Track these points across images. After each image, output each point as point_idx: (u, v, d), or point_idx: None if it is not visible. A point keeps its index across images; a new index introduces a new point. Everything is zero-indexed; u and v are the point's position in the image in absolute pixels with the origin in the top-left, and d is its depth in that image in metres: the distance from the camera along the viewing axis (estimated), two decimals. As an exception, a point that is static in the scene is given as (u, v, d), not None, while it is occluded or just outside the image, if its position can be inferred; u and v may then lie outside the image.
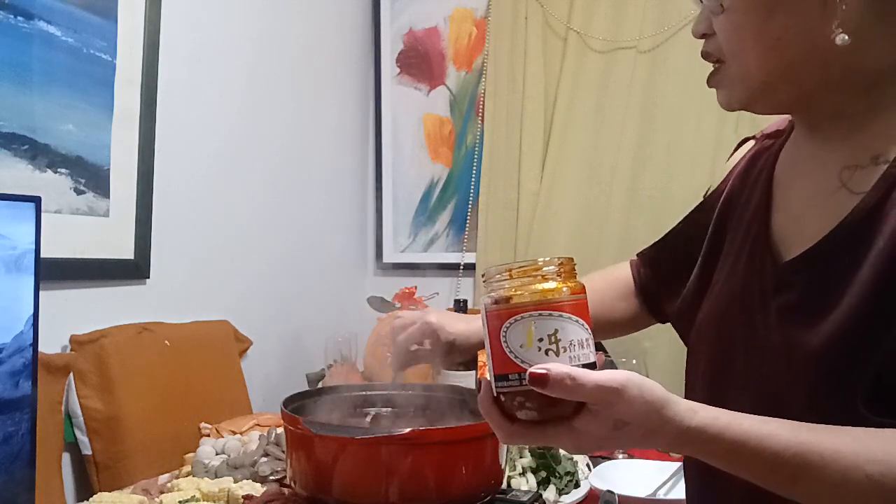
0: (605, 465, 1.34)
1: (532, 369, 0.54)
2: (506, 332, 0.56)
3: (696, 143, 2.04)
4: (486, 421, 0.60)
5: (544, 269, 0.57)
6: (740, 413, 0.58)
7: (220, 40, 1.86)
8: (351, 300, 2.31)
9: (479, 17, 2.37)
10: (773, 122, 0.81)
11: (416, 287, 2.05)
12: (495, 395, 0.58)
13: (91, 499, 1.14)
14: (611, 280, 1.01)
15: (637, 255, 1.00)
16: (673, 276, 0.88)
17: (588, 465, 1.36)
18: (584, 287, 0.58)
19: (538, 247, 2.21)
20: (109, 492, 1.21)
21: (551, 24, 2.24)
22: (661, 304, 0.93)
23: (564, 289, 0.56)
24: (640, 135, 2.11)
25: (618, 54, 2.14)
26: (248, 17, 1.96)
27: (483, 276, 0.60)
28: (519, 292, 0.57)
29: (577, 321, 0.56)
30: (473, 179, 2.35)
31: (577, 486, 1.27)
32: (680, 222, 0.92)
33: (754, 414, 0.60)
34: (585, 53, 2.18)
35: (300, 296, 2.14)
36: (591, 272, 1.04)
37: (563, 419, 0.56)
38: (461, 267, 2.36)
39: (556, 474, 1.27)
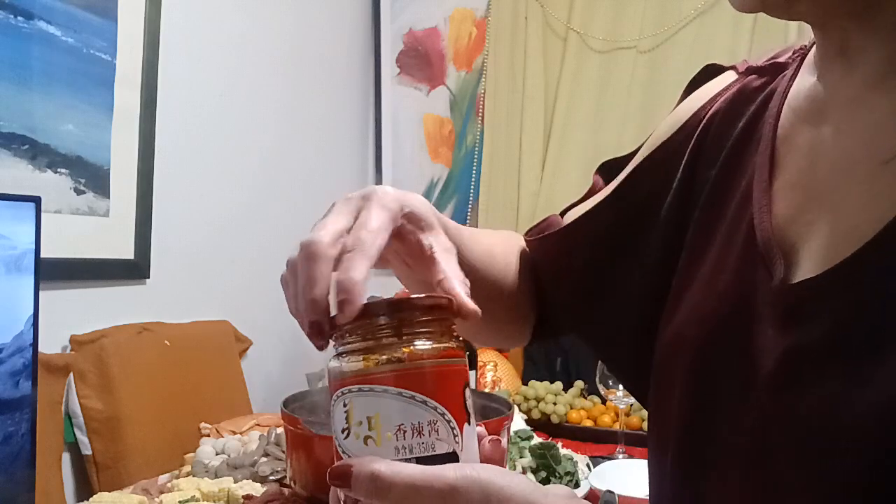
0: (605, 465, 1.34)
1: (334, 466, 0.39)
2: (331, 412, 0.41)
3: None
4: None
5: (378, 321, 0.42)
6: None
7: (220, 40, 1.86)
8: (351, 300, 2.30)
9: (479, 17, 2.37)
10: (764, 52, 0.57)
11: (416, 287, 2.05)
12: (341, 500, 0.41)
13: (91, 499, 1.14)
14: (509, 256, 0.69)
15: (526, 239, 0.71)
16: (579, 287, 0.64)
17: (588, 465, 1.36)
18: (448, 350, 0.41)
19: (538, 247, 2.21)
20: (109, 492, 1.21)
21: (551, 24, 2.24)
22: (558, 317, 0.67)
23: (394, 355, 0.40)
24: (639, 135, 2.10)
25: (618, 54, 2.15)
26: (247, 17, 1.96)
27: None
28: (342, 359, 0.42)
29: (410, 397, 0.39)
30: (473, 179, 2.35)
31: (577, 486, 1.27)
32: (598, 203, 0.65)
33: None
34: (585, 53, 2.18)
35: (300, 296, 2.13)
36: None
37: None
38: (461, 267, 2.36)
39: (556, 474, 1.27)
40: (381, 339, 0.41)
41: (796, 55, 0.53)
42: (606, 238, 0.63)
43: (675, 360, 0.52)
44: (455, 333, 0.43)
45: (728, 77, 0.58)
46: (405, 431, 0.39)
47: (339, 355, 0.42)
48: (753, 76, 0.56)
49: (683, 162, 0.57)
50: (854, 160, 0.44)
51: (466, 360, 0.43)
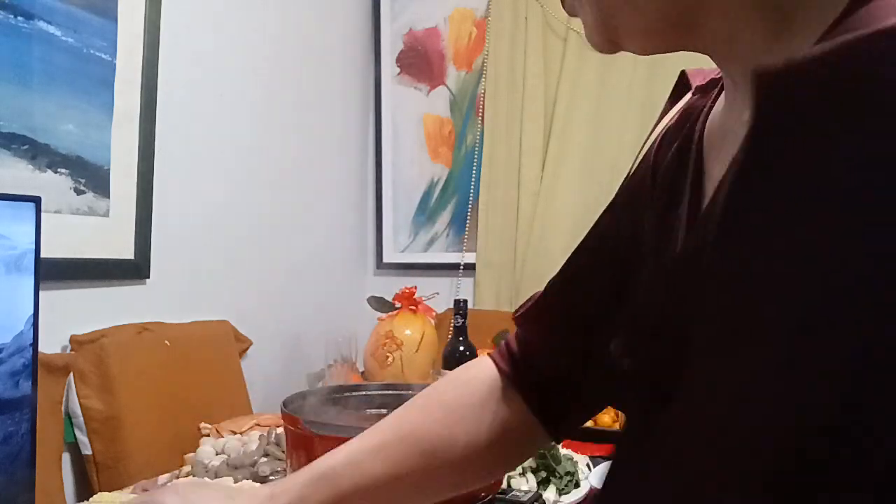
0: (606, 465, 1.34)
1: None
2: None
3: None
4: None
5: None
6: None
7: (220, 40, 1.86)
8: (351, 300, 2.31)
9: (479, 17, 2.37)
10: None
11: (416, 287, 2.05)
12: None
13: (91, 499, 1.14)
14: (462, 401, 0.64)
15: (494, 342, 0.67)
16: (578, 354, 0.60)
17: (588, 465, 1.36)
18: None
19: (538, 247, 2.21)
20: (109, 492, 1.21)
21: (551, 24, 2.24)
22: (569, 403, 0.63)
23: None
24: (640, 135, 2.11)
25: (618, 54, 2.14)
26: (247, 17, 1.96)
27: None
28: None
29: None
30: (473, 179, 2.35)
31: (577, 485, 1.27)
32: (574, 254, 0.62)
33: None
34: (585, 53, 2.18)
35: (300, 296, 2.14)
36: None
37: None
38: (461, 267, 2.36)
39: (556, 474, 1.27)
40: None
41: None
42: (587, 282, 0.61)
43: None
44: None
45: (686, 99, 0.56)
46: None
47: None
48: (698, 95, 0.54)
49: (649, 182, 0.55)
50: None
51: None
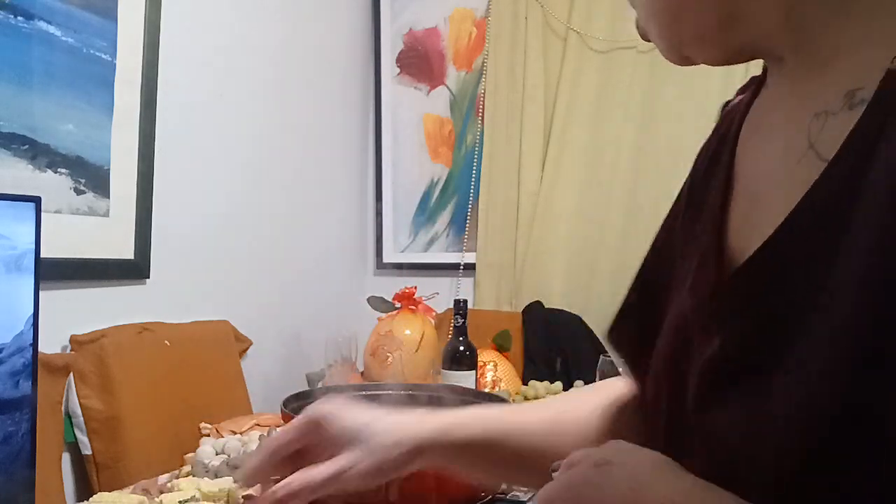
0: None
1: None
2: None
3: (695, 143, 2.03)
4: None
5: None
6: None
7: (220, 40, 1.86)
8: (351, 300, 2.31)
9: (479, 17, 2.37)
10: None
11: (416, 287, 2.05)
12: None
13: (91, 499, 1.14)
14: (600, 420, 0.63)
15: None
16: None
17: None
18: None
19: (538, 247, 2.21)
20: (109, 492, 1.21)
21: (551, 24, 2.24)
22: None
23: None
24: (639, 135, 2.11)
25: (618, 54, 2.14)
26: (247, 17, 1.96)
27: None
28: None
29: None
30: (473, 179, 2.35)
31: (577, 485, 1.27)
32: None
33: None
34: (585, 53, 2.18)
35: (300, 296, 2.14)
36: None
37: None
38: (461, 267, 2.36)
39: (556, 474, 1.27)
40: None
41: (764, 69, 0.53)
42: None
43: (656, 382, 0.52)
44: None
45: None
46: None
47: None
48: (739, 97, 0.55)
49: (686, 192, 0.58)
50: (778, 159, 0.44)
51: None
